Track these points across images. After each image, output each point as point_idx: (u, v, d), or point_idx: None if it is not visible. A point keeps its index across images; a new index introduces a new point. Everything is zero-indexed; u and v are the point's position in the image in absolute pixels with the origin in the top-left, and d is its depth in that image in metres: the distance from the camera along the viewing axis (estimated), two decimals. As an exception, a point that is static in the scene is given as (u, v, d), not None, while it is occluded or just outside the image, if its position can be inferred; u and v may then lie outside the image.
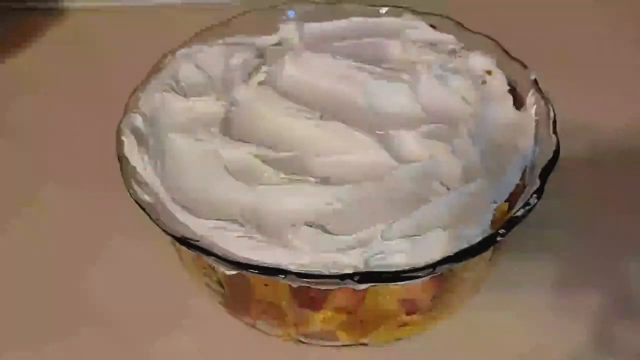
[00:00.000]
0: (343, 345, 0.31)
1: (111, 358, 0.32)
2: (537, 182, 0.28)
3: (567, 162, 0.38)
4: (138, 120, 0.32)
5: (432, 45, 0.37)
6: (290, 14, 0.39)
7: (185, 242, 0.27)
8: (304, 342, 0.31)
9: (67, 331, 0.33)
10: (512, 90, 0.34)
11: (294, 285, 0.26)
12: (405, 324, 0.29)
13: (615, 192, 0.38)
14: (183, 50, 0.36)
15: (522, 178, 0.30)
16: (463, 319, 0.32)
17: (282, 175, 0.29)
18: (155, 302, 0.34)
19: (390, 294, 0.27)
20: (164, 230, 0.27)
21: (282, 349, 0.31)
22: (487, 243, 0.26)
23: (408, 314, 0.29)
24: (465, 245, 0.26)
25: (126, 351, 0.32)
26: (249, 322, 0.31)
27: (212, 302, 0.32)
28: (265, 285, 0.27)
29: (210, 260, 0.26)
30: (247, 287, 0.28)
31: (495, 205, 0.27)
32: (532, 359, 0.31)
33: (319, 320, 0.29)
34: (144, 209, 0.28)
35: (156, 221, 0.27)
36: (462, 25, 0.37)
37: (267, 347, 0.31)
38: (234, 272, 0.27)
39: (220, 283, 0.30)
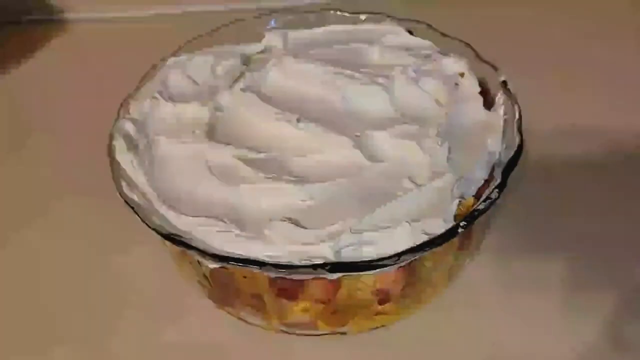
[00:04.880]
0: (323, 335, 0.32)
1: (106, 351, 0.33)
2: (499, 178, 0.29)
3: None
4: (129, 125, 0.34)
5: (409, 49, 0.38)
6: (275, 22, 0.41)
7: (171, 238, 0.29)
8: (286, 332, 0.33)
9: (59, 322, 0.34)
10: (485, 92, 0.36)
11: (272, 277, 0.28)
12: (379, 313, 0.31)
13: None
14: (173, 59, 0.38)
15: (491, 175, 0.32)
16: (444, 313, 0.33)
17: (261, 175, 0.30)
18: (146, 296, 0.35)
19: (363, 284, 0.29)
20: (151, 228, 0.29)
21: (267, 339, 0.33)
22: (448, 235, 0.27)
23: (381, 303, 0.30)
24: (429, 237, 0.27)
25: (117, 344, 0.33)
26: (234, 314, 0.33)
27: (200, 296, 0.34)
28: (244, 277, 0.29)
29: (193, 254, 0.28)
30: (230, 281, 0.30)
31: (459, 200, 0.29)
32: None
33: (298, 310, 0.30)
34: (132, 209, 0.30)
35: (144, 219, 0.29)
36: (438, 30, 0.39)
37: (253, 338, 0.33)
38: (217, 266, 0.29)
39: (206, 277, 0.32)
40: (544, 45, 0.50)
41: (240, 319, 0.33)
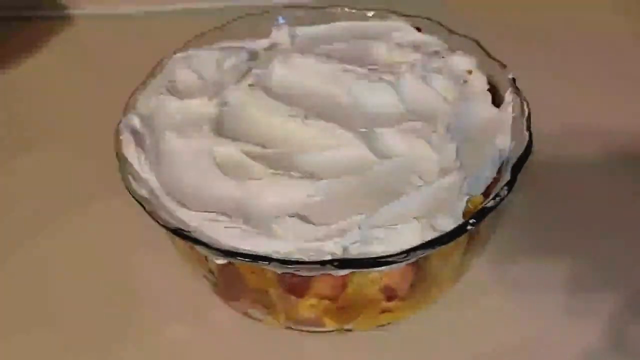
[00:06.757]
0: (330, 331, 0.32)
1: (109, 346, 0.33)
2: (509, 175, 0.29)
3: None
4: (136, 121, 0.34)
5: (417, 46, 0.38)
6: (282, 18, 0.41)
7: (178, 232, 0.28)
8: (293, 329, 0.32)
9: (67, 321, 0.34)
10: (493, 89, 0.36)
11: (279, 272, 0.28)
12: (386, 311, 0.31)
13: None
14: (179, 54, 0.38)
15: (499, 173, 0.31)
16: (457, 311, 0.33)
17: (269, 171, 0.30)
18: (153, 292, 0.35)
19: (370, 281, 0.29)
20: (158, 223, 0.29)
21: (273, 336, 0.33)
22: (457, 232, 0.27)
23: (388, 300, 0.30)
24: (438, 234, 0.27)
25: (124, 340, 0.33)
26: (241, 310, 0.33)
27: (207, 292, 0.34)
28: (252, 272, 0.29)
29: (201, 249, 0.28)
30: (237, 276, 0.30)
31: (467, 198, 0.29)
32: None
33: (305, 307, 0.30)
34: (140, 203, 0.30)
35: (151, 214, 0.29)
36: (446, 27, 0.39)
37: (259, 334, 0.33)
38: (224, 261, 0.29)
39: (213, 273, 0.32)
40: (552, 43, 0.49)
41: (246, 314, 0.33)
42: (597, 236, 0.36)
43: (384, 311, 0.31)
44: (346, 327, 0.32)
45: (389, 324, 0.32)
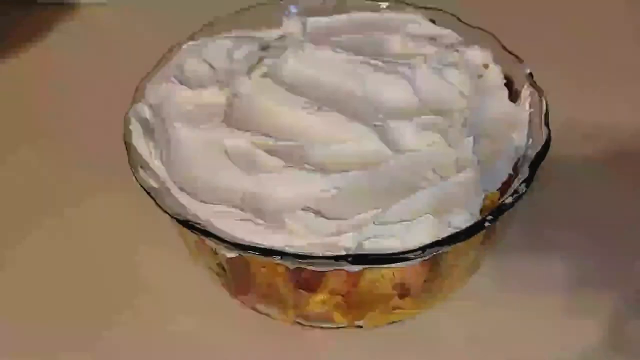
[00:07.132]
0: (339, 328, 0.32)
1: (116, 340, 0.33)
2: (527, 172, 0.29)
3: (581, 162, 0.39)
4: (145, 110, 0.33)
5: (431, 39, 0.38)
6: (294, 8, 0.40)
7: (188, 224, 0.28)
8: (302, 324, 0.32)
9: (74, 315, 0.34)
10: (509, 84, 0.35)
11: (291, 267, 0.28)
12: (398, 308, 0.31)
13: (630, 193, 0.38)
14: (189, 43, 0.37)
15: (515, 169, 0.31)
16: (463, 310, 0.33)
17: (282, 164, 0.30)
18: (160, 285, 0.35)
19: (383, 277, 0.28)
20: (168, 214, 0.29)
21: (282, 331, 0.32)
22: (474, 229, 0.27)
23: (401, 297, 0.30)
24: (454, 231, 0.27)
25: (131, 334, 0.33)
26: (250, 305, 0.33)
27: (215, 286, 0.33)
28: (263, 267, 0.29)
29: (211, 242, 0.28)
30: (247, 270, 0.30)
31: (484, 194, 0.28)
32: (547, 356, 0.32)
33: (315, 302, 0.30)
34: (149, 194, 0.29)
35: (161, 205, 0.29)
36: (461, 20, 0.38)
37: (267, 329, 0.33)
38: (234, 255, 0.29)
39: (222, 266, 0.31)
40: (570, 38, 0.49)
41: (254, 309, 0.33)
42: (597, 236, 0.36)
43: (394, 308, 0.31)
44: (356, 323, 0.31)
45: (399, 321, 0.32)
